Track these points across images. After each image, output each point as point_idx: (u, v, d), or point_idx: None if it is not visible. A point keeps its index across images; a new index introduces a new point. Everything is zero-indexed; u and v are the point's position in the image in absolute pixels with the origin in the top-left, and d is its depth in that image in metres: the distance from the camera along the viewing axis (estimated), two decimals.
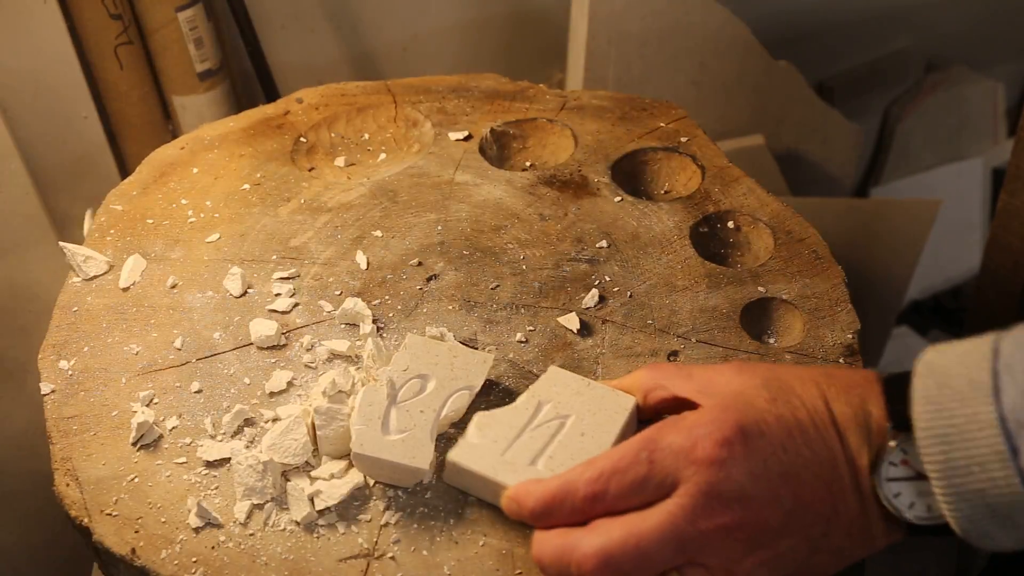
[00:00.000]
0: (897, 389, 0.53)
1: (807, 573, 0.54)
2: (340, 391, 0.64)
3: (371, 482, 0.62)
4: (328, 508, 0.59)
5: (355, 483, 0.60)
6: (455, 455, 0.60)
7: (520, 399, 0.63)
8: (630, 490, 0.53)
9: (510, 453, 0.59)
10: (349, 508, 0.60)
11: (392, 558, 0.58)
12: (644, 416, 0.62)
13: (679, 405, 0.58)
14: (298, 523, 0.59)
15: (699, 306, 0.74)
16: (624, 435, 0.60)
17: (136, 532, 0.59)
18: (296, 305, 0.74)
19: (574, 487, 0.54)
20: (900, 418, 0.52)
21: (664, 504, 0.52)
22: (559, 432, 0.60)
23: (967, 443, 0.49)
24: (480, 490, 0.60)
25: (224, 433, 0.64)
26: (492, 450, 0.60)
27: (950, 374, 0.50)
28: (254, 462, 0.60)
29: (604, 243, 0.79)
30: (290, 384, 0.67)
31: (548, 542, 0.54)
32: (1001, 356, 0.49)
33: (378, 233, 0.80)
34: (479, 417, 0.62)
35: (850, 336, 0.71)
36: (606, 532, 0.52)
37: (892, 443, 0.52)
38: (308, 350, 0.70)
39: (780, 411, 0.53)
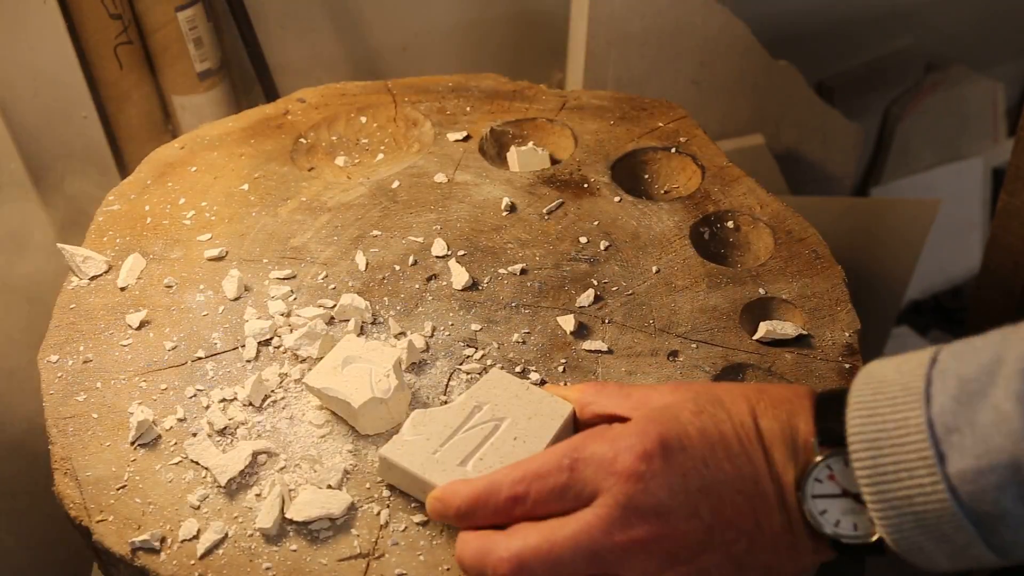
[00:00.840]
0: (830, 405, 0.52)
1: None
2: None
3: (370, 493, 0.62)
4: (330, 516, 0.59)
5: (349, 501, 0.60)
6: (387, 451, 0.60)
7: (458, 399, 0.63)
8: (550, 496, 0.53)
9: (441, 453, 0.59)
10: (349, 509, 0.60)
11: (391, 559, 0.58)
12: (580, 428, 0.61)
13: (615, 421, 0.58)
14: (296, 523, 0.59)
15: (699, 306, 0.74)
16: (558, 441, 0.60)
17: (136, 532, 0.59)
18: (294, 305, 0.74)
19: (498, 488, 0.54)
20: (829, 434, 0.51)
21: (582, 514, 0.52)
22: (493, 434, 0.60)
23: (896, 448, 0.48)
24: (411, 487, 0.60)
25: (221, 433, 0.64)
26: (424, 448, 0.60)
27: (886, 381, 0.50)
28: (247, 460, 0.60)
29: (604, 243, 0.79)
30: (282, 383, 0.67)
31: (469, 543, 0.54)
32: (937, 364, 0.48)
33: (378, 233, 0.80)
34: (416, 415, 0.62)
35: (850, 336, 0.71)
36: (523, 537, 0.52)
37: (818, 459, 0.51)
38: (300, 350, 0.70)
39: (704, 424, 0.53)
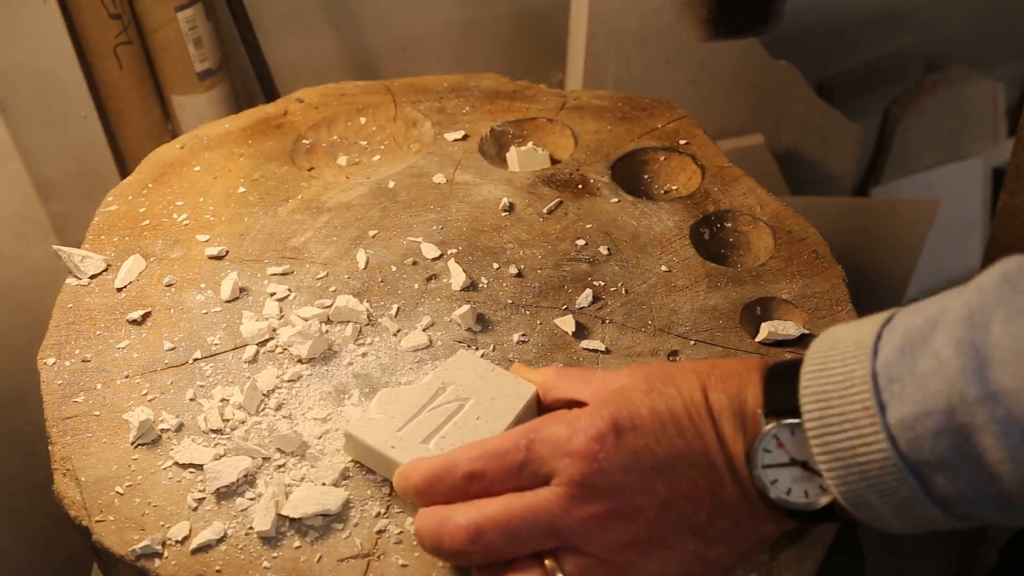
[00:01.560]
0: (780, 376, 0.53)
1: (710, 569, 0.54)
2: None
3: (369, 492, 0.62)
4: (327, 512, 0.59)
5: (345, 496, 0.61)
6: (352, 427, 0.62)
7: (425, 379, 0.64)
8: (507, 474, 0.54)
9: (405, 430, 0.61)
10: (348, 509, 0.60)
11: (392, 558, 0.58)
12: (543, 412, 0.62)
13: (576, 405, 0.58)
14: (294, 521, 0.59)
15: (699, 306, 0.73)
16: (520, 422, 0.61)
17: (137, 532, 0.59)
18: (293, 304, 0.74)
19: (456, 465, 0.55)
20: (777, 404, 0.52)
21: (540, 491, 0.53)
22: (456, 414, 0.62)
23: (841, 399, 0.48)
24: (375, 464, 0.61)
25: (219, 433, 0.64)
26: (389, 426, 0.61)
27: (841, 339, 0.51)
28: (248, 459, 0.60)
29: (604, 243, 0.79)
30: (279, 385, 0.68)
31: (426, 515, 0.55)
32: (891, 322, 0.49)
33: (378, 233, 0.80)
34: (382, 393, 0.64)
35: None
36: (480, 508, 0.54)
37: (766, 428, 0.52)
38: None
39: (654, 403, 0.54)
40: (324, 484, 0.61)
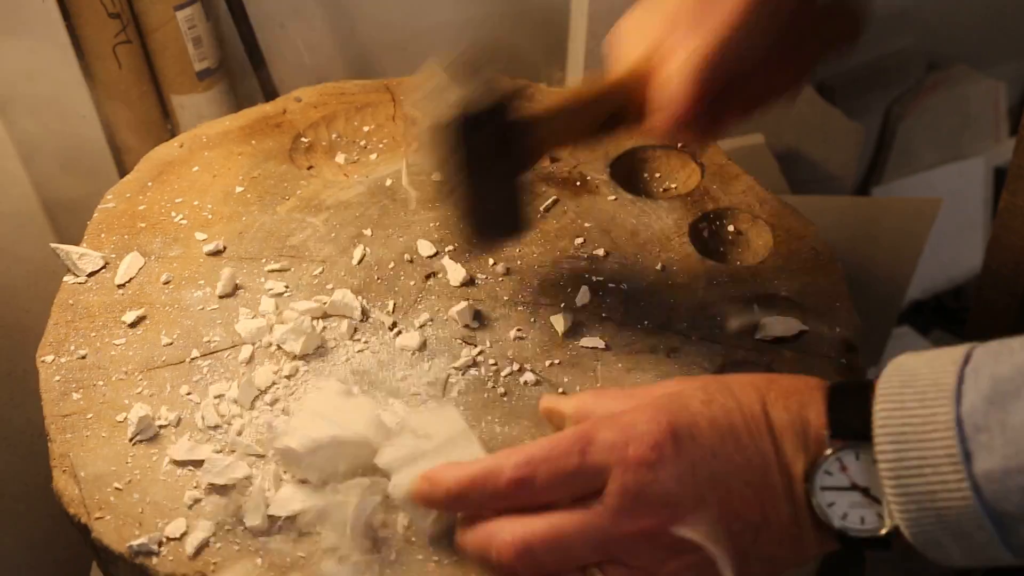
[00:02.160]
0: (843, 397, 0.52)
1: None
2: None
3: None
4: (311, 507, 0.59)
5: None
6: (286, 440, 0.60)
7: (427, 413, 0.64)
8: (561, 479, 0.52)
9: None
10: (329, 503, 0.60)
11: (392, 559, 0.58)
12: None
13: None
14: (286, 519, 0.59)
15: (698, 303, 0.73)
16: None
17: (135, 529, 0.59)
18: (290, 301, 0.73)
19: (499, 469, 0.53)
20: (842, 426, 0.51)
21: (590, 502, 0.52)
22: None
23: (922, 443, 0.48)
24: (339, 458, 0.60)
25: (217, 430, 0.64)
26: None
27: (916, 375, 0.50)
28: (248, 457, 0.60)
29: (603, 241, 0.79)
30: (276, 381, 0.67)
31: (471, 527, 0.54)
32: (970, 362, 0.48)
33: (376, 231, 0.80)
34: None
35: (849, 333, 0.71)
36: (528, 523, 0.52)
37: (829, 451, 0.51)
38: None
39: (714, 414, 0.53)
40: (306, 481, 0.61)
